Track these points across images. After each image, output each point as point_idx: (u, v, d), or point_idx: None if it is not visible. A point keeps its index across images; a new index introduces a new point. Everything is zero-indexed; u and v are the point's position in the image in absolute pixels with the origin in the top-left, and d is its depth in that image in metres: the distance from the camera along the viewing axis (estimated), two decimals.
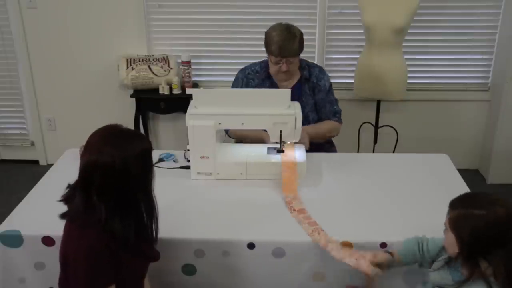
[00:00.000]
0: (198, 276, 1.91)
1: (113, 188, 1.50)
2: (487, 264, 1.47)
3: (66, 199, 1.58)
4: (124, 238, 1.52)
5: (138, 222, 1.58)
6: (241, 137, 2.61)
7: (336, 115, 2.63)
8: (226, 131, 2.64)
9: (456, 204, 1.55)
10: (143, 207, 1.59)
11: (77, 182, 1.55)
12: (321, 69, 2.64)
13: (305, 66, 2.60)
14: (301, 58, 2.59)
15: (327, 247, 1.77)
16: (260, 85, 2.59)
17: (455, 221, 1.52)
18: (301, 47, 2.48)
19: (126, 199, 1.52)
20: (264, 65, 2.61)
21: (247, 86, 2.60)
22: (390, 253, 1.74)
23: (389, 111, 3.77)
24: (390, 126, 3.68)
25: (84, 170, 1.51)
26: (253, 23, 3.65)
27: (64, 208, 1.60)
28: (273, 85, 2.58)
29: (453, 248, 1.53)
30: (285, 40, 2.41)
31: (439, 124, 3.87)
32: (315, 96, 2.60)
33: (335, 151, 2.75)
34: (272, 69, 2.53)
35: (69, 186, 1.59)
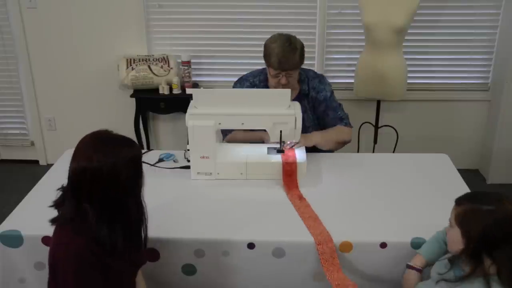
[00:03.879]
0: (198, 276, 1.91)
1: (101, 194, 1.49)
2: (491, 261, 1.47)
3: (57, 204, 1.58)
4: (111, 245, 1.51)
5: (126, 228, 1.56)
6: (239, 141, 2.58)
7: (343, 120, 2.53)
8: (224, 135, 2.58)
9: (463, 200, 1.55)
10: (132, 213, 1.57)
11: (66, 188, 1.55)
12: (321, 79, 2.55)
13: (305, 79, 2.52)
14: (301, 67, 2.49)
15: None
16: None
17: (462, 216, 1.51)
18: (301, 60, 2.39)
19: (115, 205, 1.52)
20: (263, 78, 2.53)
21: None
22: (420, 270, 1.74)
23: (389, 111, 3.77)
24: (390, 126, 3.69)
25: (73, 176, 1.50)
26: (253, 23, 3.65)
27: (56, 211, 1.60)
28: None
29: (457, 245, 1.53)
30: (286, 53, 2.32)
31: (439, 124, 3.87)
32: (315, 111, 2.54)
33: (331, 151, 2.74)
34: (271, 82, 2.45)
35: (60, 189, 1.59)
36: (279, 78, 2.38)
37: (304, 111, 2.47)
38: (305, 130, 2.31)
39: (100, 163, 1.46)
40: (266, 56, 2.39)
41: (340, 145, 2.53)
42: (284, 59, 2.32)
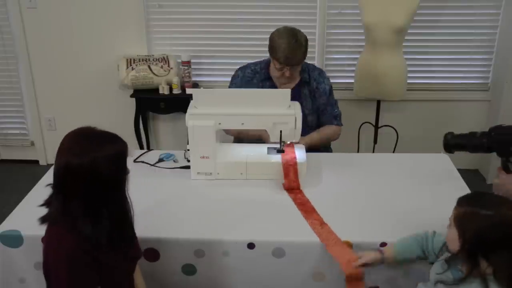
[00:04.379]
0: (198, 276, 1.91)
1: (84, 190, 1.48)
2: (488, 264, 1.47)
3: (47, 203, 1.58)
4: (96, 240, 1.51)
5: (111, 223, 1.55)
6: (240, 134, 2.61)
7: (337, 118, 2.64)
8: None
9: (464, 201, 1.55)
10: (116, 209, 1.56)
11: (52, 185, 1.55)
12: (321, 72, 2.63)
13: (305, 69, 2.58)
14: None
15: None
16: (260, 86, 2.58)
17: (460, 218, 1.52)
18: (305, 54, 2.47)
19: (98, 201, 1.51)
20: (264, 65, 2.59)
21: (246, 85, 2.59)
22: (382, 251, 1.76)
23: (389, 111, 3.77)
24: (390, 126, 3.68)
25: (57, 173, 1.50)
26: (253, 23, 3.65)
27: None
28: (273, 86, 2.58)
29: (454, 245, 1.53)
30: (292, 50, 2.38)
31: (439, 124, 3.87)
32: (315, 100, 2.59)
33: (330, 151, 2.75)
34: (274, 72, 2.51)
35: (49, 185, 1.59)
36: (284, 71, 2.45)
37: (304, 99, 2.51)
38: (304, 117, 2.33)
39: (81, 159, 1.45)
40: (272, 49, 2.44)
41: (326, 143, 2.66)
42: (291, 56, 2.39)
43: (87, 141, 1.50)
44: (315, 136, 2.55)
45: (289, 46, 2.38)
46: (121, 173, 1.56)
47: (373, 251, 1.78)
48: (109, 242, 1.53)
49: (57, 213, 1.53)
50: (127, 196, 1.59)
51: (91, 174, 1.47)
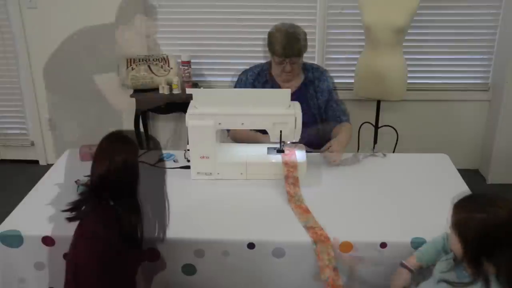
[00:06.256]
0: (198, 276, 1.91)
1: (125, 191, 1.61)
2: (492, 265, 1.49)
3: (75, 207, 1.66)
4: (138, 235, 1.63)
5: (140, 222, 1.67)
6: (240, 141, 2.59)
7: (345, 114, 2.58)
8: (228, 130, 2.61)
9: (459, 207, 1.56)
10: (146, 206, 1.68)
11: (90, 189, 1.64)
12: (323, 72, 2.61)
13: (309, 68, 2.58)
14: (303, 60, 2.54)
15: None
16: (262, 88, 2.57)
17: (457, 225, 1.54)
18: (305, 47, 2.45)
19: (136, 199, 1.63)
20: (266, 68, 2.58)
21: (249, 88, 2.58)
22: (412, 270, 1.75)
23: (389, 111, 3.77)
24: (390, 126, 3.68)
25: (99, 177, 1.59)
26: (253, 23, 3.65)
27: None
28: (275, 87, 2.57)
29: (457, 250, 1.56)
30: (289, 40, 2.38)
31: (439, 124, 3.87)
32: (318, 99, 2.57)
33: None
34: (275, 70, 2.50)
35: (81, 185, 1.66)
36: (284, 66, 2.43)
37: (310, 98, 2.49)
38: (313, 117, 2.32)
39: (123, 161, 1.60)
40: (270, 44, 2.44)
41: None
42: (288, 46, 2.37)
43: (123, 145, 1.65)
44: (346, 139, 2.43)
45: (287, 37, 2.37)
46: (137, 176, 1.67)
47: (404, 274, 1.74)
48: (136, 241, 1.65)
49: (93, 211, 1.62)
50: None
51: (131, 174, 1.61)
